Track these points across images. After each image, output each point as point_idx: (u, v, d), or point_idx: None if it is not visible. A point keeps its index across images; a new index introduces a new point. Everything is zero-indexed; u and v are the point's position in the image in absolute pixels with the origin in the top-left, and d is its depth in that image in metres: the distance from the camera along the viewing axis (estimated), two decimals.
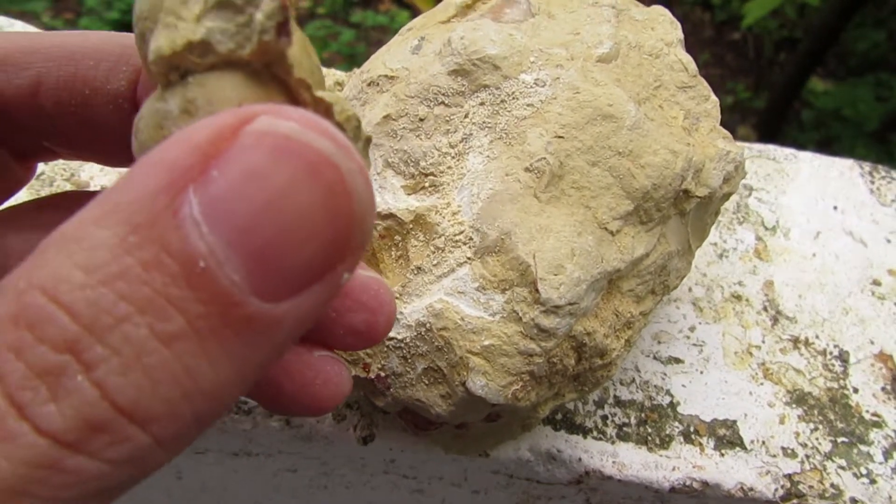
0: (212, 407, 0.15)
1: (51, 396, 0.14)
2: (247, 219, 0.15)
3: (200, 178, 0.15)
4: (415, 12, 1.92)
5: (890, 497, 0.38)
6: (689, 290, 0.45)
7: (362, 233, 0.16)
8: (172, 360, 0.15)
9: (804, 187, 0.50)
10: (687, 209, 0.35)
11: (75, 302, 0.14)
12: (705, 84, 0.37)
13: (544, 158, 0.32)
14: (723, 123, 0.37)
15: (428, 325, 0.31)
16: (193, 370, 0.15)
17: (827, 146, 1.93)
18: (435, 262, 0.32)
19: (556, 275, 0.30)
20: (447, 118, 0.34)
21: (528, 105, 0.33)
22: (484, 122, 0.34)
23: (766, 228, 0.48)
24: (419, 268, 0.32)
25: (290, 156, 0.15)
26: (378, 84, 0.36)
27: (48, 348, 0.14)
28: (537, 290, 0.30)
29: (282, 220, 0.15)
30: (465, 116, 0.34)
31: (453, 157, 0.33)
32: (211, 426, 0.16)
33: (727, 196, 0.37)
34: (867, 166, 0.52)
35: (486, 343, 0.31)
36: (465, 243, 0.32)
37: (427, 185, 0.33)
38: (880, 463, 0.40)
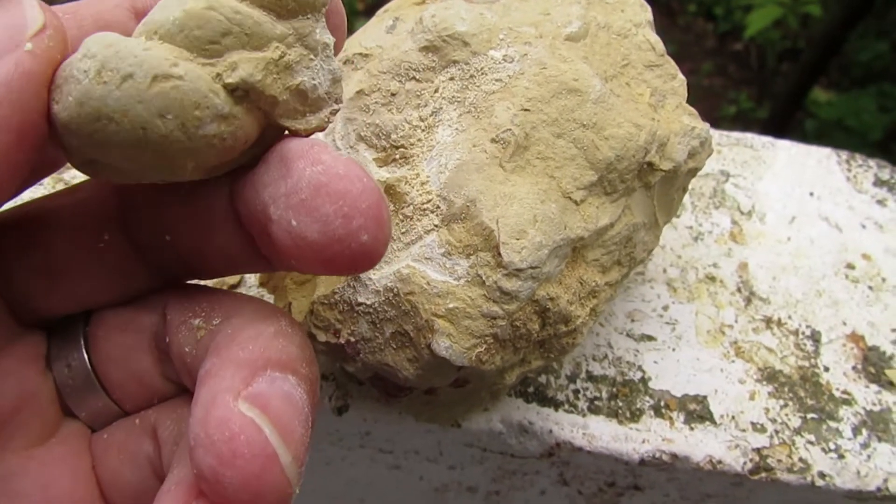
0: None
1: None
2: None
3: None
4: None
5: (858, 472, 0.39)
6: (664, 270, 0.45)
7: None
8: None
9: (781, 174, 0.51)
10: (652, 182, 0.36)
11: None
12: (672, 63, 0.38)
13: (510, 130, 0.33)
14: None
15: (395, 290, 0.32)
16: None
17: None
18: (404, 230, 0.33)
19: (518, 239, 0.31)
20: (418, 93, 0.35)
21: (496, 80, 0.34)
22: (453, 97, 0.35)
23: (742, 213, 0.49)
24: None
25: None
26: (353, 62, 0.37)
27: None
28: (500, 254, 0.31)
29: None
30: (436, 91, 0.35)
31: (423, 130, 0.34)
32: None
33: (693, 172, 0.38)
34: (844, 154, 0.53)
35: (451, 306, 0.31)
36: (432, 211, 0.33)
37: (398, 157, 0.34)
38: (849, 439, 0.40)
